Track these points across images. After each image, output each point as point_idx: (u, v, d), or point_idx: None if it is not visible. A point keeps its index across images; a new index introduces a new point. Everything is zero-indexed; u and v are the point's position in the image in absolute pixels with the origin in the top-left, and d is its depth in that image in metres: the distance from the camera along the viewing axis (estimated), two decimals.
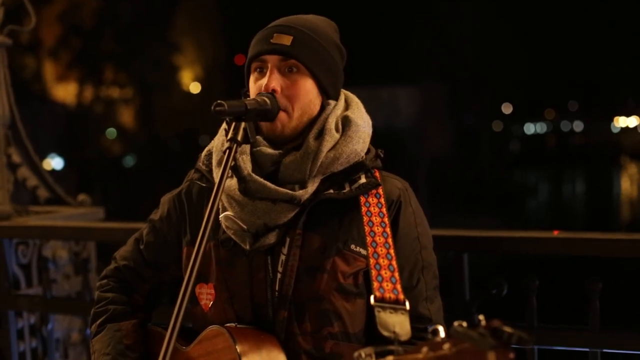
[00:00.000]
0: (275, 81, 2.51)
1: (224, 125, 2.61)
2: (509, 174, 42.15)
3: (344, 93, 2.69)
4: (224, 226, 2.53)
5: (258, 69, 2.57)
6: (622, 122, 59.93)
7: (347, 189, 2.53)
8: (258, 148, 2.54)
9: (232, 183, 2.51)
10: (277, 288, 2.49)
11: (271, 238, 2.48)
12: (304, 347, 2.49)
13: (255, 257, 2.51)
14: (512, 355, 1.65)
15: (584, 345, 3.31)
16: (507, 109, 58.97)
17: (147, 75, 40.43)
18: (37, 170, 5.40)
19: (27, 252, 4.93)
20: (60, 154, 34.63)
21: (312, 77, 2.55)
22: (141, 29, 39.03)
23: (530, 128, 64.66)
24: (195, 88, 43.86)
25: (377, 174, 2.59)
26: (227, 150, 2.34)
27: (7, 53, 5.15)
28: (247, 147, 2.53)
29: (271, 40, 2.52)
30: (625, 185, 42.12)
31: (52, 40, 37.91)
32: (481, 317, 1.71)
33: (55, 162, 34.09)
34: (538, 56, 54.60)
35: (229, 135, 2.36)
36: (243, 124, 2.37)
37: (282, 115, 2.51)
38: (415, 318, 2.45)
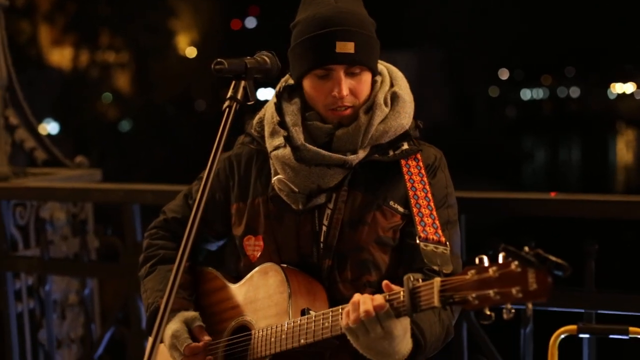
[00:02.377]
0: (345, 88, 2.67)
1: (274, 99, 2.83)
2: (505, 139, 42.14)
3: (385, 67, 2.86)
4: (276, 188, 2.74)
5: (322, 75, 2.69)
6: (619, 88, 59.91)
7: (391, 153, 2.74)
8: (311, 122, 2.74)
9: (285, 152, 2.71)
10: (322, 239, 2.70)
11: (322, 198, 2.71)
12: (345, 293, 2.65)
13: (303, 213, 2.73)
14: (549, 279, 1.89)
15: (579, 306, 3.35)
16: (503, 74, 58.88)
17: (143, 40, 40.25)
18: (35, 132, 5.41)
19: (24, 213, 4.95)
20: (56, 118, 34.56)
21: (371, 70, 2.73)
22: None
23: (526, 94, 64.58)
24: (191, 52, 43.71)
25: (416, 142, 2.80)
26: (227, 109, 2.40)
27: (3, 14, 5.13)
28: (298, 119, 2.75)
29: (336, 51, 2.63)
30: (621, 151, 42.18)
31: (47, 4, 37.69)
32: (525, 247, 1.93)
33: (51, 127, 34.03)
34: (535, 22, 54.40)
35: (229, 94, 2.41)
36: (243, 83, 2.42)
37: (349, 111, 2.70)
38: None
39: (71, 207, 5.21)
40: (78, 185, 5.01)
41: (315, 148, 2.68)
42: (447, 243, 2.58)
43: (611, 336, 3.08)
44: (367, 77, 2.71)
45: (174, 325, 2.72)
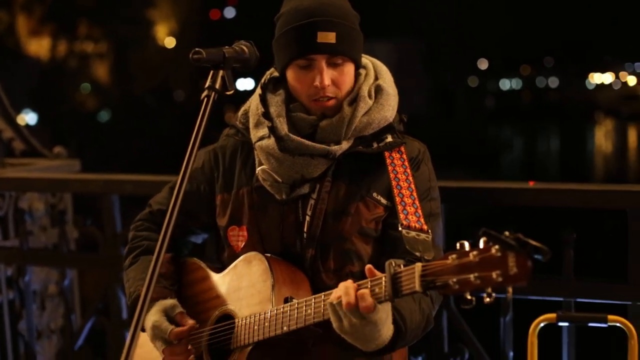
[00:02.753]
0: (327, 78, 2.69)
1: (259, 90, 2.85)
2: (484, 129, 42.27)
3: (370, 61, 2.89)
4: (260, 179, 2.77)
5: (304, 66, 2.71)
6: (598, 78, 60.23)
7: (375, 146, 2.76)
8: (295, 113, 2.77)
9: (270, 142, 2.73)
10: (305, 229, 2.72)
11: (306, 188, 2.73)
12: (328, 283, 2.68)
13: (287, 203, 2.75)
14: (529, 263, 1.89)
15: (558, 295, 3.36)
16: (482, 64, 59.04)
17: (121, 30, 40.09)
18: (13, 123, 5.39)
19: (3, 204, 4.93)
20: (34, 109, 34.41)
21: (353, 61, 2.75)
22: None
23: (505, 84, 64.80)
24: (170, 43, 43.59)
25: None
26: (205, 99, 2.40)
27: None
28: (283, 110, 2.77)
29: (317, 40, 2.66)
30: (600, 141, 42.41)
31: None
32: (506, 232, 1.94)
33: (29, 118, 33.87)
34: (514, 12, 54.56)
35: (207, 84, 2.41)
36: (221, 72, 2.42)
37: (331, 102, 2.72)
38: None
39: (50, 197, 5.20)
40: (57, 175, 4.99)
41: (299, 138, 2.70)
42: (429, 231, 2.59)
43: (590, 324, 3.10)
44: (349, 68, 2.72)
45: (153, 317, 2.72)
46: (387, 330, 2.40)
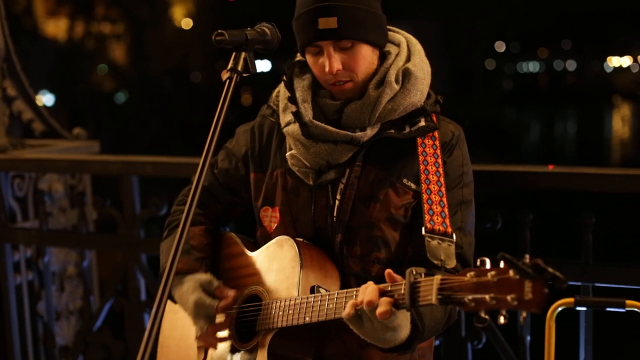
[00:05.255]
0: (336, 62, 2.65)
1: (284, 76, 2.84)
2: (501, 112, 42.12)
3: (406, 39, 2.83)
4: (289, 163, 2.77)
5: (315, 52, 2.69)
6: (616, 61, 59.79)
7: (407, 130, 2.73)
8: (321, 98, 2.75)
9: (295, 128, 2.73)
10: (335, 214, 2.72)
11: (332, 174, 2.72)
12: (354, 269, 2.71)
13: (317, 187, 2.74)
14: (546, 290, 1.90)
15: (576, 279, 3.35)
16: (500, 47, 58.77)
17: (138, 11, 40.10)
18: (32, 104, 5.40)
19: (23, 185, 4.96)
20: (51, 90, 34.47)
21: (366, 42, 2.67)
22: None
23: (523, 67, 64.49)
24: (187, 24, 43.55)
25: (435, 118, 2.78)
26: (227, 80, 2.41)
27: None
28: (308, 96, 2.76)
29: (318, 27, 2.62)
30: (617, 125, 42.15)
31: None
32: (527, 255, 1.93)
33: (46, 99, 33.89)
34: None
35: (229, 65, 2.42)
36: (243, 54, 2.42)
37: (348, 85, 2.69)
38: None
39: (69, 178, 5.22)
40: (77, 156, 5.01)
41: (322, 124, 2.69)
42: (454, 235, 2.59)
43: (608, 309, 3.09)
44: (362, 49, 2.67)
45: (193, 295, 2.71)
46: (404, 330, 2.41)
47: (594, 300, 3.15)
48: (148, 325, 2.08)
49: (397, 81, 2.70)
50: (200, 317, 2.69)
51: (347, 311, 2.36)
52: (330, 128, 2.68)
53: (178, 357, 2.97)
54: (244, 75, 2.44)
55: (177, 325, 2.99)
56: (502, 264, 1.99)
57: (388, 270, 2.34)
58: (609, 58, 59.64)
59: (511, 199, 3.91)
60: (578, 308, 3.20)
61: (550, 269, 1.89)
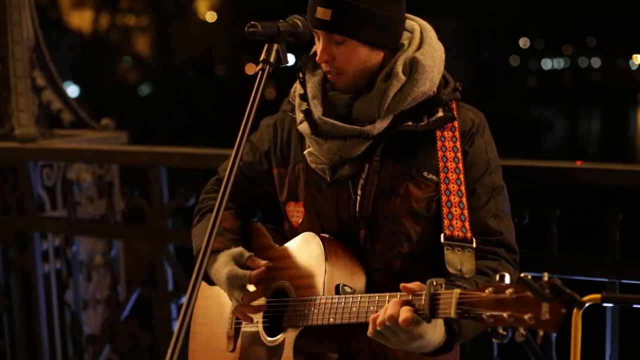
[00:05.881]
0: (325, 54, 2.66)
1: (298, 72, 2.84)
2: (525, 109, 41.93)
3: (420, 26, 2.79)
4: (308, 160, 2.78)
5: (317, 39, 2.70)
6: None
7: (425, 121, 2.70)
8: (332, 93, 2.74)
9: (306, 126, 2.74)
10: (357, 209, 2.72)
11: (347, 169, 2.71)
12: (376, 264, 2.72)
13: (338, 182, 2.75)
14: (563, 310, 1.91)
15: (603, 276, 3.35)
16: (524, 43, 58.48)
17: (163, 4, 40.16)
18: (61, 94, 5.44)
19: (51, 174, 5.00)
20: (76, 82, 34.60)
21: (360, 41, 2.65)
22: None
23: (547, 63, 64.15)
24: (211, 17, 43.59)
25: (455, 106, 2.75)
26: (260, 72, 2.42)
27: None
28: (318, 92, 2.75)
29: (315, 15, 2.62)
30: None
31: None
32: (545, 273, 1.95)
33: (70, 90, 33.98)
34: None
35: (262, 57, 2.43)
36: (276, 46, 2.43)
37: (340, 77, 2.69)
38: (484, 232, 2.64)
39: (97, 169, 5.26)
40: (106, 147, 5.06)
41: (331, 120, 2.68)
42: (473, 239, 2.59)
43: (635, 306, 3.09)
44: (354, 47, 2.64)
45: (225, 268, 2.75)
46: (437, 335, 2.40)
47: (620, 296, 3.15)
48: (184, 304, 2.10)
49: (404, 72, 2.67)
50: (235, 288, 2.73)
51: (369, 330, 2.38)
52: (338, 123, 2.67)
53: (209, 344, 3.01)
54: (276, 66, 2.46)
55: (209, 312, 3.03)
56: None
57: (402, 284, 2.34)
58: (634, 56, 59.17)
59: (538, 194, 3.89)
60: (605, 304, 3.20)
61: (567, 290, 1.91)
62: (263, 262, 2.74)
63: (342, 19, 2.60)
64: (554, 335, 3.49)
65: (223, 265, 2.76)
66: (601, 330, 3.42)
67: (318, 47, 2.68)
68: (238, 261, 2.76)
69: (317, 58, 2.69)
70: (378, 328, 2.34)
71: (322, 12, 2.60)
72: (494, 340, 2.07)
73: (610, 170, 3.41)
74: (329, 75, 2.72)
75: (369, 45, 2.66)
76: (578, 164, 3.47)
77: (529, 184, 3.53)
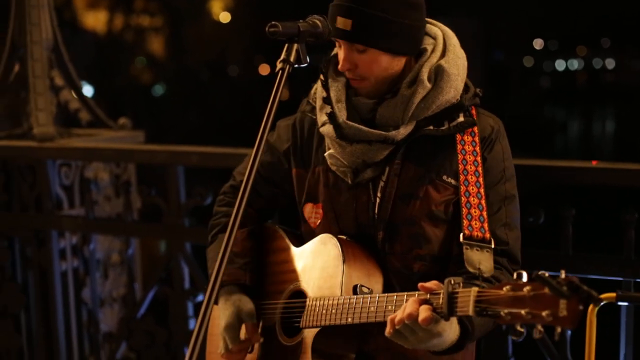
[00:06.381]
0: (347, 63, 2.69)
1: (322, 77, 2.85)
2: (539, 110, 41.82)
3: (442, 32, 2.80)
4: (329, 163, 2.79)
5: (339, 47, 2.73)
6: None
7: (446, 126, 2.72)
8: (356, 97, 2.76)
9: (330, 129, 2.74)
10: (376, 211, 2.74)
11: (369, 173, 2.73)
12: (395, 265, 2.74)
13: (358, 185, 2.76)
14: (580, 307, 1.93)
15: (618, 274, 3.35)
16: (538, 44, 58.33)
17: (177, 4, 40.24)
18: (79, 94, 5.47)
19: (69, 173, 5.04)
20: (90, 82, 34.69)
21: (380, 50, 2.67)
22: None
23: (561, 64, 63.95)
24: (225, 17, 43.65)
25: (474, 112, 2.78)
26: (280, 71, 2.44)
27: None
28: (342, 95, 2.77)
29: (336, 25, 2.64)
30: None
31: None
32: (562, 271, 1.97)
33: (85, 91, 34.07)
34: None
35: (282, 56, 2.45)
36: (295, 46, 2.45)
37: (364, 83, 2.72)
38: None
39: (114, 167, 5.29)
40: (123, 146, 5.10)
41: (356, 125, 2.70)
42: (492, 240, 2.61)
43: None
44: (376, 56, 2.67)
45: (229, 320, 2.85)
46: (453, 332, 2.44)
47: (635, 295, 3.15)
48: (195, 329, 2.12)
49: (429, 79, 2.69)
50: (229, 335, 2.84)
51: (387, 330, 2.40)
52: (363, 128, 2.70)
53: None
54: (296, 66, 2.48)
55: None
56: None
57: (420, 283, 2.36)
58: None
59: (554, 194, 3.91)
60: (620, 303, 3.21)
61: (584, 288, 1.93)
62: (255, 337, 2.86)
63: (363, 29, 2.63)
64: (569, 333, 3.50)
65: (228, 315, 2.86)
66: (616, 329, 3.43)
67: (340, 55, 2.70)
68: (243, 319, 2.85)
69: (339, 66, 2.71)
70: (397, 327, 2.36)
71: (342, 22, 2.63)
72: (511, 337, 2.09)
73: (625, 170, 3.42)
74: (352, 82, 2.74)
75: (391, 53, 2.68)
76: (594, 163, 3.47)
77: (545, 184, 3.54)
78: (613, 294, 3.08)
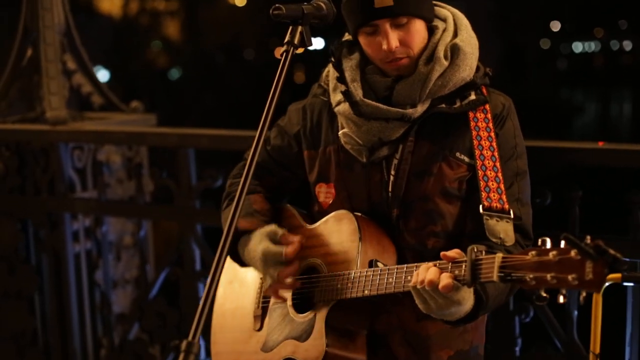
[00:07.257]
0: (393, 40, 2.67)
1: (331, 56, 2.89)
2: (556, 92, 41.63)
3: (452, 13, 2.84)
4: (342, 142, 2.81)
5: (370, 32, 2.72)
6: None
7: (458, 104, 2.75)
8: (371, 75, 2.78)
9: (345, 107, 2.76)
10: (390, 189, 2.76)
11: (385, 151, 2.75)
12: (410, 242, 2.77)
13: (371, 163, 2.78)
14: (605, 270, 1.96)
15: (624, 255, 3.31)
16: (555, 26, 57.99)
17: None
18: (92, 77, 5.50)
19: (82, 156, 5.07)
20: (106, 66, 34.72)
21: (419, 17, 2.71)
22: None
23: (578, 46, 63.59)
24: (240, 1, 43.58)
25: (485, 91, 2.80)
26: (284, 53, 2.47)
27: None
28: (357, 75, 2.79)
29: (375, 6, 2.64)
30: None
31: None
32: (588, 236, 2.00)
33: (101, 75, 34.13)
34: None
35: (286, 39, 2.48)
36: (300, 28, 2.49)
37: (404, 61, 2.72)
38: None
39: (126, 150, 5.33)
40: (135, 129, 5.13)
41: (374, 102, 2.72)
42: (511, 211, 2.63)
43: None
44: (418, 25, 2.71)
45: (260, 246, 2.76)
46: (468, 302, 2.47)
47: None
48: (207, 282, 2.14)
49: (446, 57, 2.72)
50: (269, 265, 2.74)
51: (412, 281, 2.43)
52: (381, 106, 2.72)
53: (233, 325, 3.04)
54: (300, 48, 2.50)
55: (233, 294, 3.06)
56: (563, 244, 2.05)
57: (443, 252, 2.39)
58: None
59: (561, 175, 3.92)
60: (625, 284, 3.23)
61: (611, 251, 1.95)
62: (296, 237, 2.77)
63: (403, 0, 2.65)
64: (575, 314, 3.52)
65: (257, 243, 2.78)
66: (622, 310, 3.44)
67: (379, 40, 2.69)
68: (272, 238, 2.78)
69: (385, 48, 2.67)
70: (418, 286, 2.40)
71: (381, 1, 2.63)
72: (536, 302, 2.12)
73: (631, 151, 3.43)
74: (391, 64, 2.73)
75: (424, 19, 2.73)
76: (600, 144, 3.48)
77: (552, 165, 3.55)
78: (619, 275, 3.09)
